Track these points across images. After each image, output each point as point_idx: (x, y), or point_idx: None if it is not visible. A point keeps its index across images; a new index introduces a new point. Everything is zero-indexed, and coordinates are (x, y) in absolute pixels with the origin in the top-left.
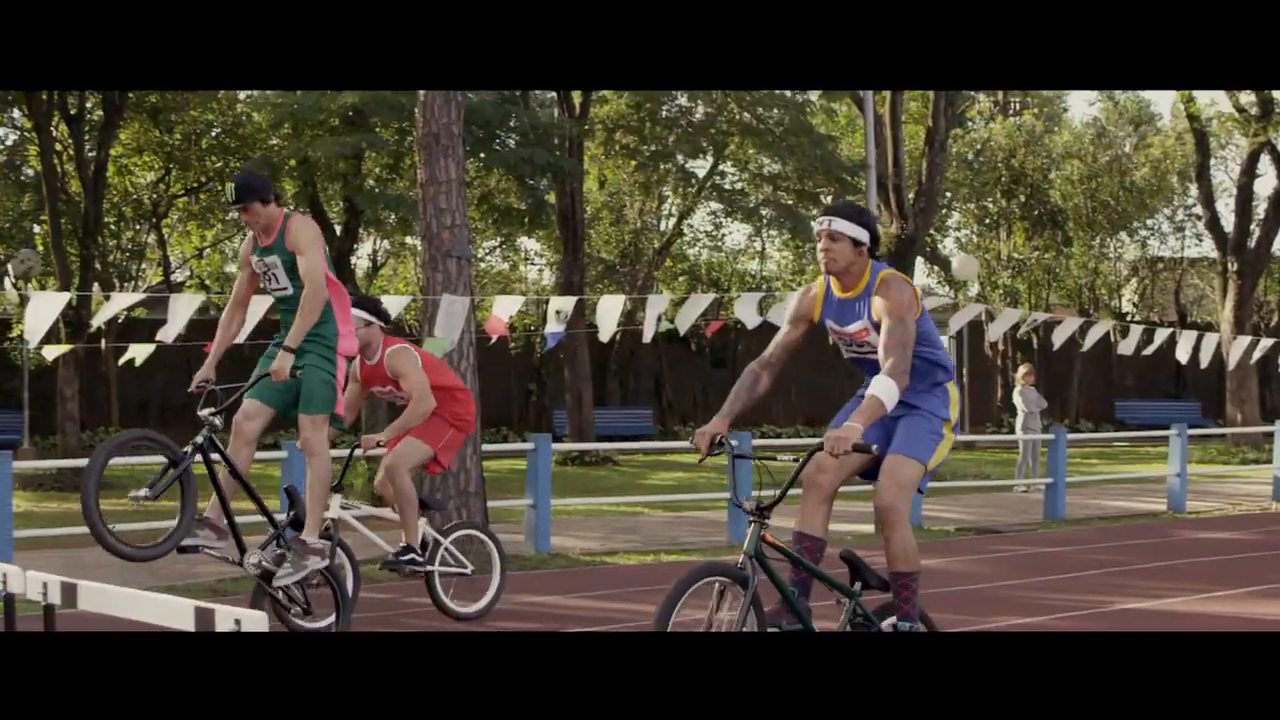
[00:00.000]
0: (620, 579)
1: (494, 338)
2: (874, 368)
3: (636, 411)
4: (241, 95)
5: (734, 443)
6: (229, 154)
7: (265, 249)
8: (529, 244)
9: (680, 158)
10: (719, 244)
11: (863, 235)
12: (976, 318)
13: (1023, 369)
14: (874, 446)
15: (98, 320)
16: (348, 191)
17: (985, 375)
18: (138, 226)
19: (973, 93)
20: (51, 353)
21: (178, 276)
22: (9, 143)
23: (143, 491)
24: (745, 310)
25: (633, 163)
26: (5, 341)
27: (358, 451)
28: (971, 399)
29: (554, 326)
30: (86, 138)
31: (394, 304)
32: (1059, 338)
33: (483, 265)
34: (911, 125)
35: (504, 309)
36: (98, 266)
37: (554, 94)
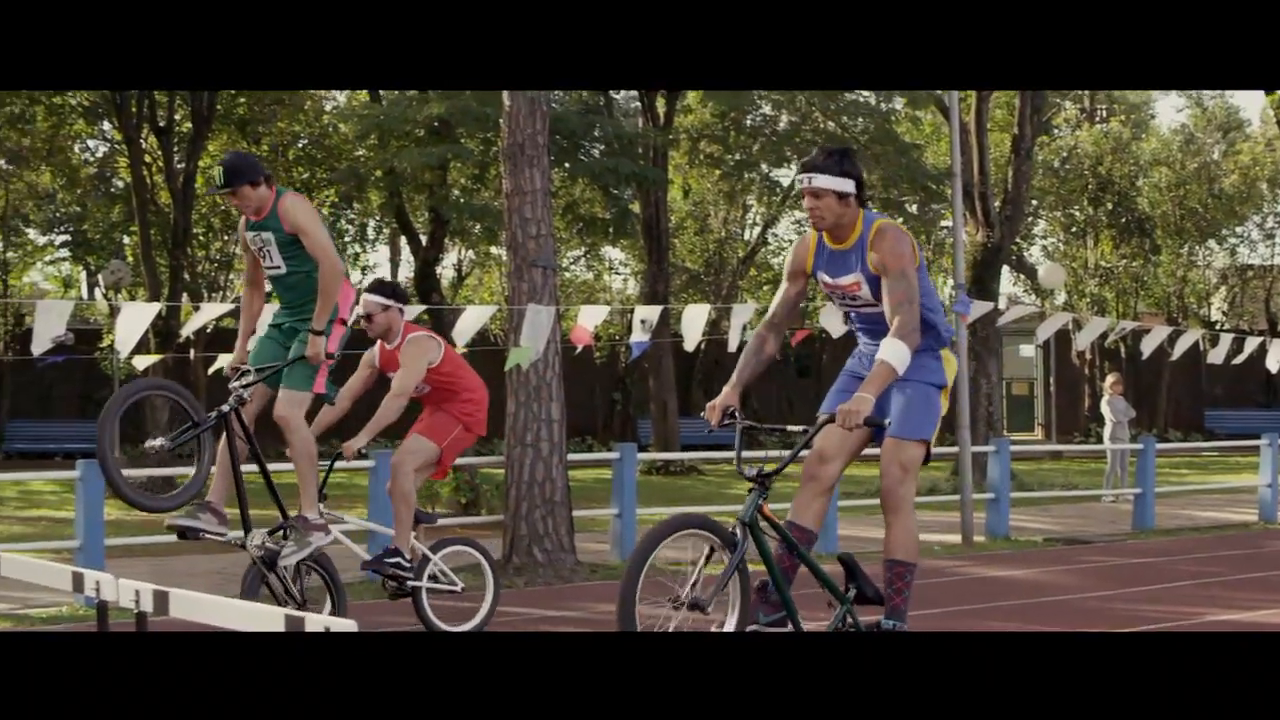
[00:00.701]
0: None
1: (579, 347)
2: (867, 323)
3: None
4: (328, 106)
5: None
6: (316, 165)
7: (258, 224)
8: (613, 253)
9: (764, 166)
10: None
11: (846, 186)
12: (1064, 327)
13: (1110, 378)
14: (887, 420)
15: (187, 330)
16: (433, 202)
17: (1073, 384)
18: (226, 237)
19: (1059, 100)
20: (141, 363)
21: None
22: (100, 155)
23: (159, 441)
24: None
25: (717, 172)
26: (96, 351)
27: (340, 463)
28: (1059, 408)
29: (639, 336)
30: (175, 149)
31: (479, 314)
32: (1147, 347)
33: (567, 275)
34: (997, 133)
35: (589, 319)
36: (187, 277)
37: (638, 104)
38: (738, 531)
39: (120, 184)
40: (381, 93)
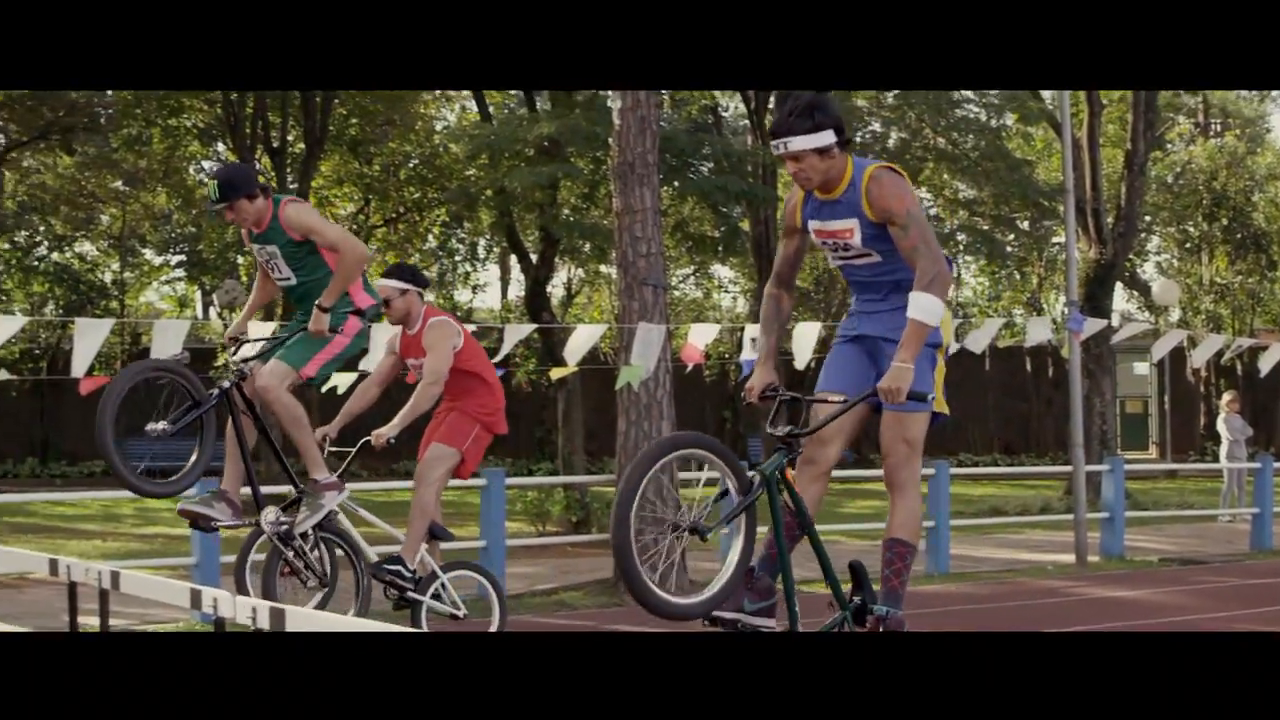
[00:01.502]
0: (815, 608)
1: (689, 365)
2: (860, 275)
3: None
4: (438, 126)
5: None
6: (427, 184)
7: (260, 236)
8: (723, 271)
9: None
10: None
11: (825, 139)
12: (1179, 344)
13: (1227, 396)
14: (930, 395)
15: None
16: (543, 221)
17: (1188, 402)
18: None
19: (1172, 114)
20: None
21: None
22: None
23: (160, 425)
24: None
25: None
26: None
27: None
28: (1174, 427)
29: (749, 354)
30: (289, 170)
31: (590, 333)
32: (1264, 364)
33: (677, 293)
34: (1110, 148)
35: (699, 337)
36: None
37: (747, 121)
38: (755, 479)
39: None
40: (491, 112)
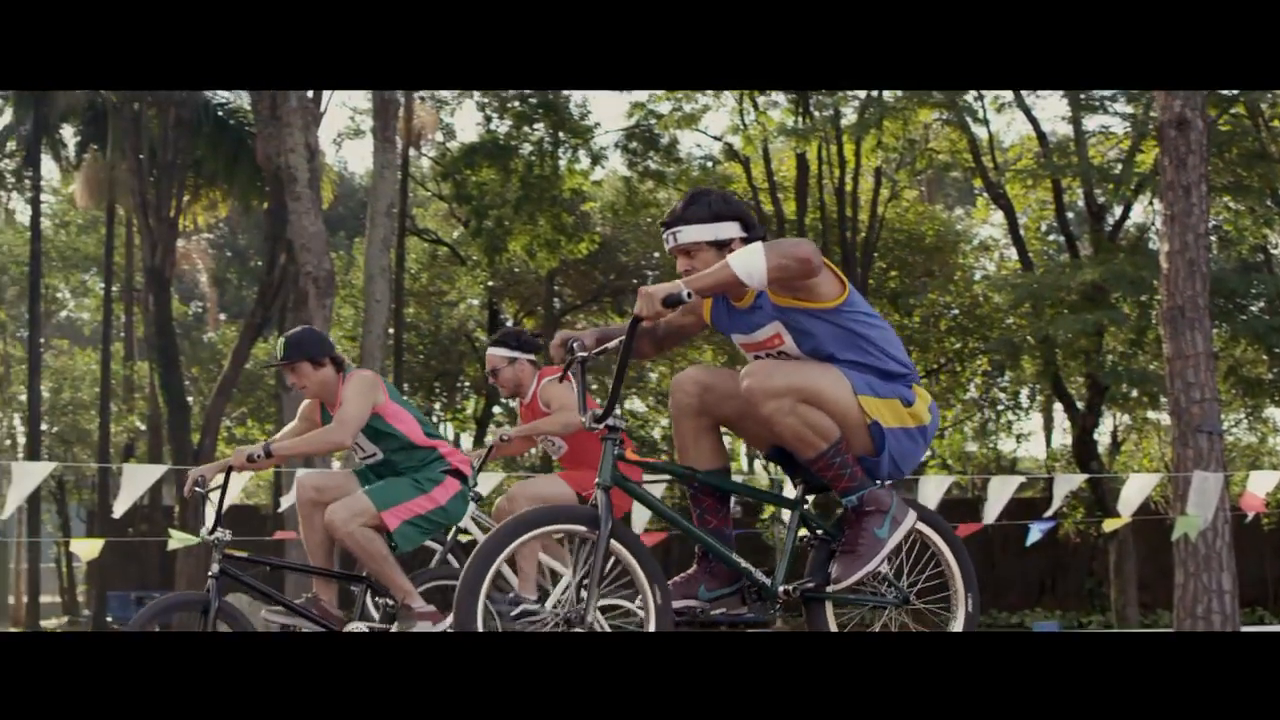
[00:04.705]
0: None
1: (1249, 515)
2: None
3: None
4: (977, 275)
5: (585, 349)
6: (967, 334)
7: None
8: (1278, 415)
9: None
10: None
11: (726, 231)
12: None
13: None
14: (687, 293)
15: None
16: (1090, 368)
17: None
18: None
19: None
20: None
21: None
22: None
23: None
24: None
25: None
26: (756, 523)
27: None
28: None
29: None
30: None
31: (1144, 482)
32: None
33: (1231, 438)
34: None
35: (1259, 484)
36: None
37: None
38: (598, 500)
39: None
40: (1032, 259)
